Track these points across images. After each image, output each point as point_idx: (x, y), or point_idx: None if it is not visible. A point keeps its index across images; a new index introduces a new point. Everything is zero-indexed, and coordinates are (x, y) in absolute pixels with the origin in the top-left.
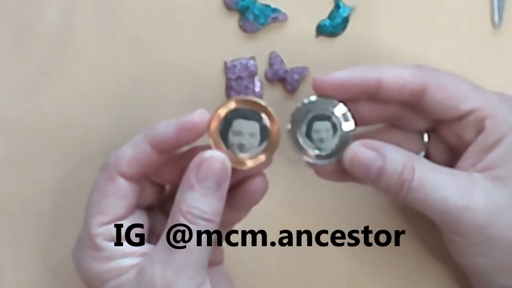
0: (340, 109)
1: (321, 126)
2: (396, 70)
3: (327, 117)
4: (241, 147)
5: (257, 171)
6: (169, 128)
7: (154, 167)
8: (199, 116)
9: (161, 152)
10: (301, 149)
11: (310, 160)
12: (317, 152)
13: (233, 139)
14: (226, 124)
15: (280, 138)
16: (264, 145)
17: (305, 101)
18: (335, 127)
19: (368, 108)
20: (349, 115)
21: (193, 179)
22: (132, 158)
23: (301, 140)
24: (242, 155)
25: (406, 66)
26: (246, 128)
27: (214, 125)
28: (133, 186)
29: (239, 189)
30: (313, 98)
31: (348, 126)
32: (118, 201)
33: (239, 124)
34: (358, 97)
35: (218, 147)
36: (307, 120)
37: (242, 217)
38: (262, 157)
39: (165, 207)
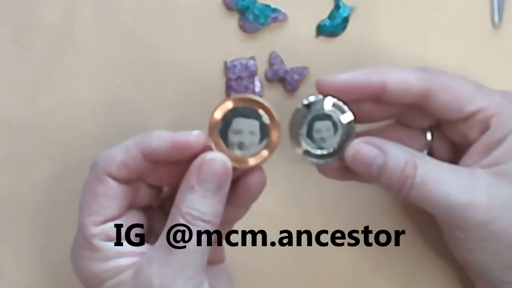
0: (330, 102)
1: (322, 126)
2: (401, 74)
3: (328, 116)
4: (241, 146)
5: (257, 168)
6: (163, 143)
7: (143, 173)
8: (195, 138)
9: (152, 162)
10: (303, 150)
11: (313, 160)
12: (319, 152)
13: (233, 138)
14: (226, 123)
15: (280, 134)
16: (264, 142)
17: (305, 101)
18: (335, 126)
19: (371, 107)
20: (345, 108)
21: (194, 181)
22: (122, 162)
23: (303, 141)
24: (243, 154)
25: (411, 69)
26: (246, 127)
27: (214, 125)
28: (123, 187)
29: (237, 185)
30: (312, 98)
31: (346, 118)
32: (109, 201)
33: (239, 123)
34: (362, 99)
35: (218, 148)
36: (307, 120)
37: (242, 215)
38: (264, 153)
39: (165, 206)
